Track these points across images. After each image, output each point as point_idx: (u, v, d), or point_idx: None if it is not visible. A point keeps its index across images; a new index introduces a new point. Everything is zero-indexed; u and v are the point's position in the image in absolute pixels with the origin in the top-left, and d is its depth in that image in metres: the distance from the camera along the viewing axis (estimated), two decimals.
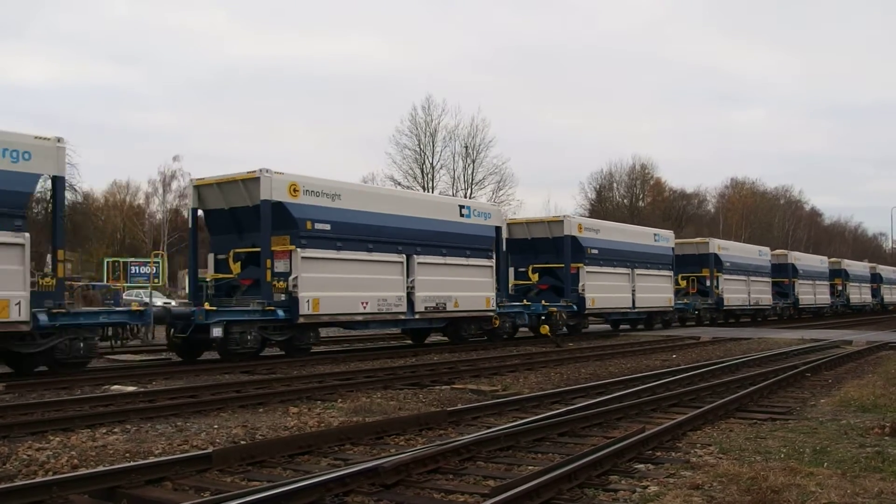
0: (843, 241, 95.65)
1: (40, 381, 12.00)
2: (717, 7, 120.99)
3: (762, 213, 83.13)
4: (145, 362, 15.93)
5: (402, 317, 18.11)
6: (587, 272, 24.44)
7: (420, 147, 50.16)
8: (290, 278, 15.71)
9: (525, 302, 22.26)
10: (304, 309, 15.77)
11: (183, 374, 13.43)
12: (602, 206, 69.56)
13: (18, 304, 11.90)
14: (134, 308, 14.05)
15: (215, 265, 17.04)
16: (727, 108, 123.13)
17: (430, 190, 47.96)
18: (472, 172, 51.26)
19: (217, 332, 14.64)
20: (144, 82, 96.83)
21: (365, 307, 17.08)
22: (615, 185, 73.40)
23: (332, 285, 16.37)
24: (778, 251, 42.51)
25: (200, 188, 16.92)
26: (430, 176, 50.31)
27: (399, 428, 8.00)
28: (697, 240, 35.09)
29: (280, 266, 15.86)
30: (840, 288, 48.06)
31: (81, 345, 12.96)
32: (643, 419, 8.87)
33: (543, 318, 22.30)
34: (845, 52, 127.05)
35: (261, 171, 15.72)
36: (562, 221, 24.35)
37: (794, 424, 8.58)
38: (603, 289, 25.23)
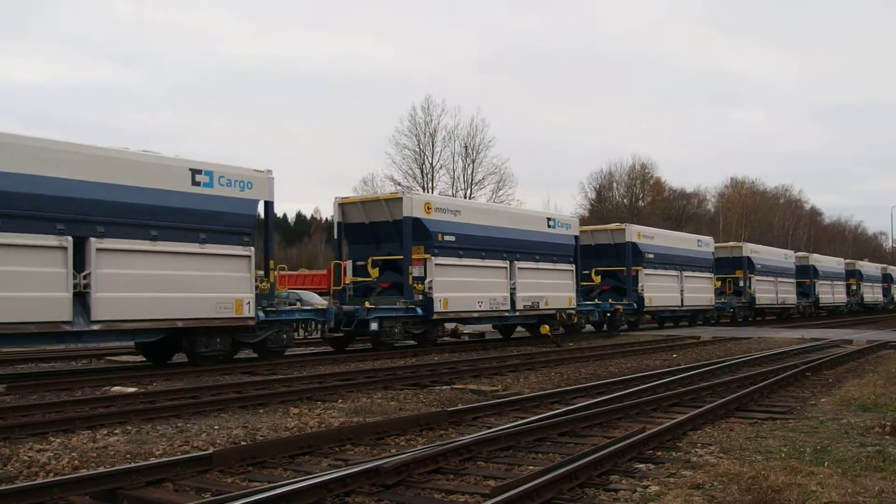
0: (844, 240, 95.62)
1: (40, 382, 12.01)
2: (717, 7, 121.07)
3: (762, 213, 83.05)
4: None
5: (507, 314, 21.39)
6: (645, 274, 27.83)
7: (420, 147, 50.19)
8: (426, 281, 19.00)
9: (596, 301, 25.69)
10: (438, 307, 19.07)
11: (183, 376, 13.43)
12: (602, 205, 69.54)
13: (249, 303, 14.96)
14: (318, 307, 17.78)
15: (353, 270, 20.05)
16: (727, 108, 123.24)
17: (430, 190, 47.98)
18: (472, 172, 51.30)
19: (374, 325, 17.85)
20: (144, 83, 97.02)
21: (480, 305, 20.36)
22: (615, 184, 73.43)
23: (456, 287, 19.71)
24: (800, 254, 45.80)
25: (344, 206, 20.32)
26: (429, 176, 50.34)
27: (399, 428, 8.00)
28: (731, 244, 39.08)
29: (416, 271, 19.14)
30: (854, 287, 50.76)
31: (284, 336, 16.34)
32: (644, 419, 8.87)
33: (609, 314, 26.00)
34: (845, 53, 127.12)
35: (403, 191, 20.70)
36: (623, 230, 28.15)
37: (795, 424, 8.58)
38: (658, 289, 28.69)
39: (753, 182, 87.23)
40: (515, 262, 21.63)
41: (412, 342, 19.72)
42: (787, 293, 40.17)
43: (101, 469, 6.19)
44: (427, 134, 50.16)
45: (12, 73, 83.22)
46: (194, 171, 14.45)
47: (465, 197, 48.48)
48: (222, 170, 14.97)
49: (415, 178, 49.81)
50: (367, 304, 17.92)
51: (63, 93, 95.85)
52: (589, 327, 26.63)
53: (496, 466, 6.56)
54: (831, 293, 46.30)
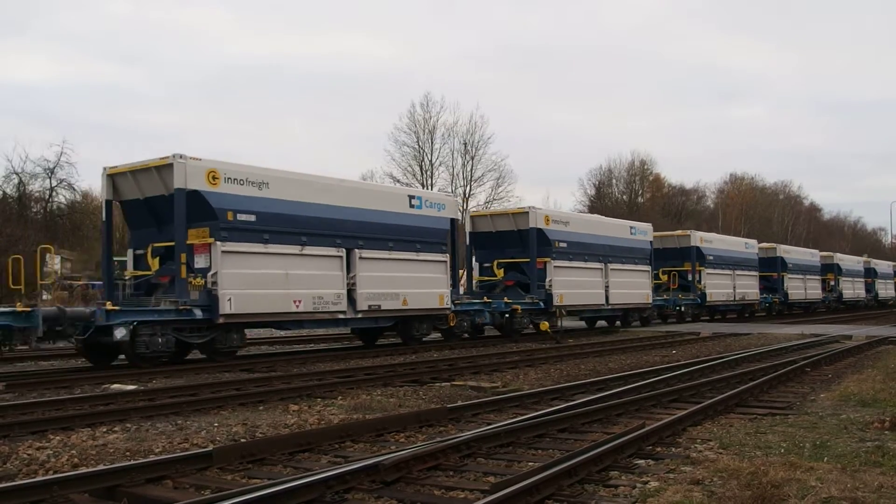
0: (843, 236, 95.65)
1: (40, 380, 12.01)
2: (717, 3, 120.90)
3: (761, 209, 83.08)
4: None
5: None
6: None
7: (419, 144, 50.15)
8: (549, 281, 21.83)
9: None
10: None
11: (183, 373, 13.43)
12: (601, 202, 69.49)
13: (447, 296, 19.28)
14: (486, 300, 21.08)
15: (480, 271, 22.29)
16: (727, 105, 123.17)
17: (430, 187, 47.96)
18: (472, 169, 51.26)
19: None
20: (145, 81, 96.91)
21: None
22: (614, 181, 73.31)
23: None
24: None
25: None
26: (429, 173, 50.31)
27: (399, 425, 8.01)
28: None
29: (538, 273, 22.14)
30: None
31: (465, 324, 20.50)
32: (643, 415, 8.87)
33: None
34: (846, 48, 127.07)
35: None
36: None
37: (794, 419, 8.59)
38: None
39: (752, 178, 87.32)
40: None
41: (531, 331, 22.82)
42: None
43: (101, 467, 6.18)
44: (426, 131, 50.15)
45: (12, 72, 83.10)
46: (410, 197, 19.14)
47: (464, 193, 48.59)
48: (427, 195, 20.33)
49: (414, 175, 49.82)
50: (485, 299, 21.01)
51: (63, 91, 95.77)
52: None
53: (496, 463, 6.56)
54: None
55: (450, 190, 48.91)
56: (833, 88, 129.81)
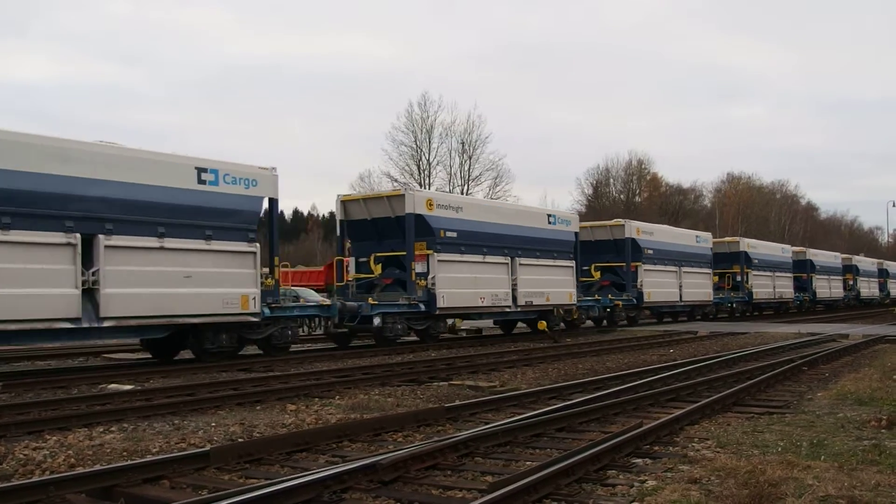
0: (840, 235, 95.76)
1: (37, 380, 11.99)
2: (717, 3, 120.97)
3: (758, 208, 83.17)
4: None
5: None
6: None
7: (416, 143, 50.18)
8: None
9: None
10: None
11: (180, 373, 13.41)
12: (598, 201, 69.55)
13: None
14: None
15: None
16: (725, 104, 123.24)
17: (427, 186, 47.96)
18: (469, 169, 51.32)
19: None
20: (145, 81, 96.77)
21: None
22: (612, 180, 73.41)
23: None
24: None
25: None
26: (426, 172, 50.33)
27: (397, 424, 8.00)
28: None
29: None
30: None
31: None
32: (641, 414, 8.87)
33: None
34: (845, 48, 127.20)
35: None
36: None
37: (791, 418, 8.59)
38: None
39: (749, 177, 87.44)
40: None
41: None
42: (784, 288, 40.64)
43: (98, 467, 6.17)
44: (424, 130, 50.18)
45: (13, 72, 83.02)
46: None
47: (462, 193, 48.48)
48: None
49: (412, 174, 49.83)
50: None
51: (63, 91, 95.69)
52: (589, 323, 26.84)
53: (494, 462, 6.56)
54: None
55: (447, 189, 48.94)
56: (833, 88, 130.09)
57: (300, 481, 5.29)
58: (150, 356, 16.10)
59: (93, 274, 12.80)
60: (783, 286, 40.45)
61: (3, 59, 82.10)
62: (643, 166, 74.00)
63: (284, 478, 5.62)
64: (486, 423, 7.94)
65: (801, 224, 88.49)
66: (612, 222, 29.94)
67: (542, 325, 22.45)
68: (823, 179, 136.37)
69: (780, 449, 6.90)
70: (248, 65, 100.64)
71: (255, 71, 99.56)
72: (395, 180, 47.98)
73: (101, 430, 8.09)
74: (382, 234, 19.96)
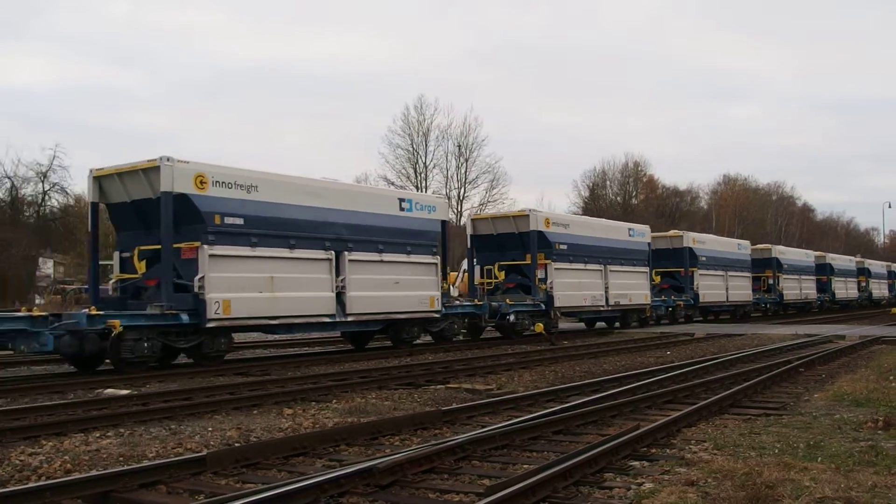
0: (836, 236, 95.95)
1: (33, 385, 11.96)
2: (717, 2, 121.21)
3: (754, 210, 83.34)
4: None
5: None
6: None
7: (413, 146, 50.27)
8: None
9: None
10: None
11: (177, 377, 13.39)
12: (595, 203, 69.62)
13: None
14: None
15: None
16: (722, 104, 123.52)
17: (424, 189, 47.98)
18: (466, 171, 51.37)
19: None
20: (142, 83, 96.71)
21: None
22: (608, 182, 73.52)
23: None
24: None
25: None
26: (423, 175, 50.35)
27: (394, 428, 7.99)
28: (671, 233, 34.08)
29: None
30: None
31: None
32: (638, 416, 8.88)
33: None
34: (842, 48, 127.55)
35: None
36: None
37: (788, 419, 8.60)
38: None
39: (746, 179, 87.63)
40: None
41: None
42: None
43: (94, 472, 6.15)
44: (420, 133, 50.27)
45: (10, 75, 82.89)
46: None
47: (458, 196, 48.65)
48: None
49: (408, 177, 49.88)
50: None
51: (61, 93, 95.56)
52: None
53: (491, 465, 6.56)
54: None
55: (444, 192, 48.98)
56: (830, 87, 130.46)
57: (297, 486, 5.28)
58: (350, 346, 19.47)
59: (341, 282, 16.71)
60: (808, 288, 43.50)
61: (1, 62, 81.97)
62: (639, 168, 74.21)
63: (281, 482, 5.62)
64: (483, 427, 7.94)
65: (798, 225, 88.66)
66: (671, 233, 33.42)
67: (539, 327, 22.37)
68: (820, 180, 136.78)
69: (776, 451, 6.91)
70: (245, 67, 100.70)
71: (252, 73, 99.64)
72: (392, 183, 48.03)
73: (98, 435, 8.07)
74: (504, 246, 23.56)
